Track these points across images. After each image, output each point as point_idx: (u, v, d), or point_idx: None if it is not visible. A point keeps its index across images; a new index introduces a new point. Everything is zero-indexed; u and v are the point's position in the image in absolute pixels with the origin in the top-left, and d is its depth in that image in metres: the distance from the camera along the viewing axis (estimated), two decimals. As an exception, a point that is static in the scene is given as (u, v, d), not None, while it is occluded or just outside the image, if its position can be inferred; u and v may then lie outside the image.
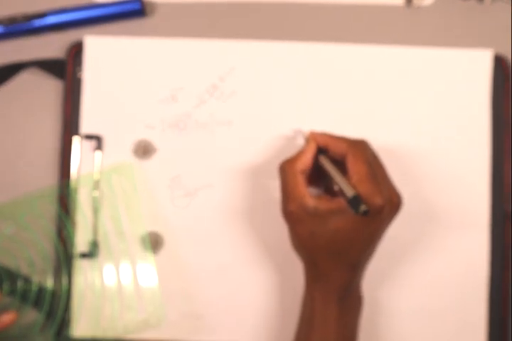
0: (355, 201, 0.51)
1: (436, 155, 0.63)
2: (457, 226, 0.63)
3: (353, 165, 0.54)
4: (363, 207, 0.51)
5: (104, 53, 0.64)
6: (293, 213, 0.55)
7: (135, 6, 0.64)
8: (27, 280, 0.63)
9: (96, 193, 0.63)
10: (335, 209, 0.53)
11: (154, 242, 0.63)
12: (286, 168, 0.56)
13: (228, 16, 0.65)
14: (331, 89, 0.63)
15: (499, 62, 0.64)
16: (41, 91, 0.65)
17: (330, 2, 0.65)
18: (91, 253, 0.62)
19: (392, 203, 0.55)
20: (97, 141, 0.63)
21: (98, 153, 0.63)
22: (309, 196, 0.54)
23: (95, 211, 0.63)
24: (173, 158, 0.63)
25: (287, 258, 0.62)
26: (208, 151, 0.63)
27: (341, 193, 0.53)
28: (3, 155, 0.64)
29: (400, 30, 0.65)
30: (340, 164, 0.56)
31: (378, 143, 0.63)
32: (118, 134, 0.63)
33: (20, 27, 0.64)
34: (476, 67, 0.64)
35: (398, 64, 0.64)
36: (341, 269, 0.55)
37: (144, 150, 0.63)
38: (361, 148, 0.56)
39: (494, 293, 0.63)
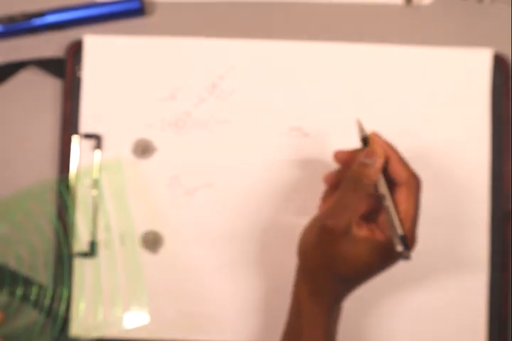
0: (401, 241, 0.49)
1: (435, 154, 0.63)
2: (457, 226, 0.63)
3: (405, 201, 0.51)
4: (405, 253, 0.49)
5: (103, 52, 0.64)
6: (332, 230, 0.51)
7: (134, 5, 0.64)
8: (26, 280, 0.63)
9: (95, 192, 0.63)
10: (370, 239, 0.51)
11: (154, 241, 0.63)
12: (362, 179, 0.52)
13: (228, 15, 0.65)
14: (330, 88, 0.63)
15: (499, 61, 0.64)
16: (40, 91, 0.65)
17: (329, 1, 0.65)
18: (90, 253, 0.62)
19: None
20: (97, 139, 0.63)
21: (97, 152, 0.63)
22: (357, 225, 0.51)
23: (94, 210, 0.63)
24: (172, 157, 0.63)
25: (287, 258, 0.62)
26: (207, 150, 0.63)
27: (388, 225, 0.51)
28: (2, 154, 0.64)
29: (399, 29, 0.65)
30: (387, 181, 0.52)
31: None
32: (117, 133, 0.63)
33: (20, 26, 0.64)
34: (476, 67, 0.64)
35: (397, 63, 0.64)
36: (339, 287, 0.54)
37: (143, 149, 0.63)
38: (418, 186, 0.52)
39: (494, 293, 0.63)
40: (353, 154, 0.54)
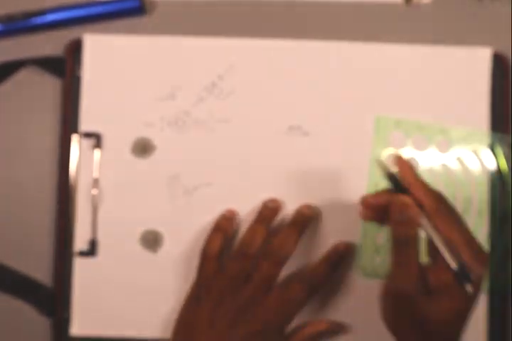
0: (461, 276, 0.47)
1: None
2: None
3: (448, 233, 0.48)
4: (468, 287, 0.47)
5: (103, 51, 0.63)
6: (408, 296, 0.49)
7: (134, 3, 0.64)
8: (26, 279, 0.63)
9: (95, 191, 0.63)
10: (442, 287, 0.48)
11: (153, 241, 0.63)
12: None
13: (228, 14, 0.65)
14: (329, 87, 0.63)
15: (499, 60, 0.64)
16: (40, 90, 0.65)
17: (329, 0, 0.65)
18: (90, 252, 0.62)
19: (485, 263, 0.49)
20: (96, 138, 0.63)
21: (97, 151, 0.63)
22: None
23: (94, 209, 0.63)
24: (172, 156, 0.63)
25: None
26: (207, 149, 0.63)
27: (445, 266, 0.48)
28: (1, 153, 0.64)
29: (398, 28, 0.65)
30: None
31: (378, 141, 0.63)
32: (117, 132, 0.63)
33: (19, 25, 0.64)
34: (476, 66, 0.63)
35: (397, 62, 0.64)
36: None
37: (143, 148, 0.63)
38: (449, 208, 0.50)
39: (494, 295, 0.62)
40: (384, 199, 0.51)
